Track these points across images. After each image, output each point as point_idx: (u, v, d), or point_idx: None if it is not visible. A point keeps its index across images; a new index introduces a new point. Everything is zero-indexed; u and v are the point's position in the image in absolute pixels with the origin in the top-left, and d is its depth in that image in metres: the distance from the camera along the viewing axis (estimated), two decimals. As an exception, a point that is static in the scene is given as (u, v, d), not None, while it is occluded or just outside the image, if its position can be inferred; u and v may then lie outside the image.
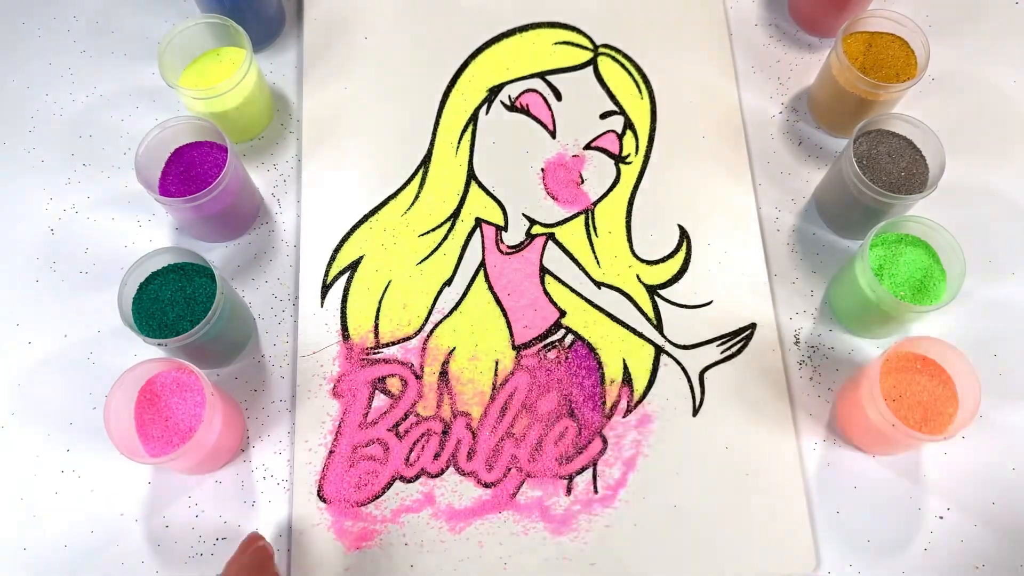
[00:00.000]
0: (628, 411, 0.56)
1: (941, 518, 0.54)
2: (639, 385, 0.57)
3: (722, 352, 0.58)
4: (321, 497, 0.54)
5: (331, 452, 0.55)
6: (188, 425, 0.51)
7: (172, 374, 0.52)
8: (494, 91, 0.65)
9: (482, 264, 0.60)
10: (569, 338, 0.58)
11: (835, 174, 0.58)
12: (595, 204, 0.62)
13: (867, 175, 0.56)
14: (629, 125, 0.64)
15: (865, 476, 0.55)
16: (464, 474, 0.55)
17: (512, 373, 0.57)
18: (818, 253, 0.61)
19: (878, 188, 0.54)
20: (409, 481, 0.55)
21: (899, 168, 0.57)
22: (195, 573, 0.52)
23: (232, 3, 0.62)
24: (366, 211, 0.62)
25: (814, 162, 0.64)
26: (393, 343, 0.58)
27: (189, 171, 0.58)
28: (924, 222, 0.54)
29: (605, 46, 0.67)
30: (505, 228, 0.61)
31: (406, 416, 0.56)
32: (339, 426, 0.56)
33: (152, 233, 0.61)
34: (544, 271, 0.60)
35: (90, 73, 0.66)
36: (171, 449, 0.50)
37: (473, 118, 0.64)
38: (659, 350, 0.58)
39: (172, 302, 0.53)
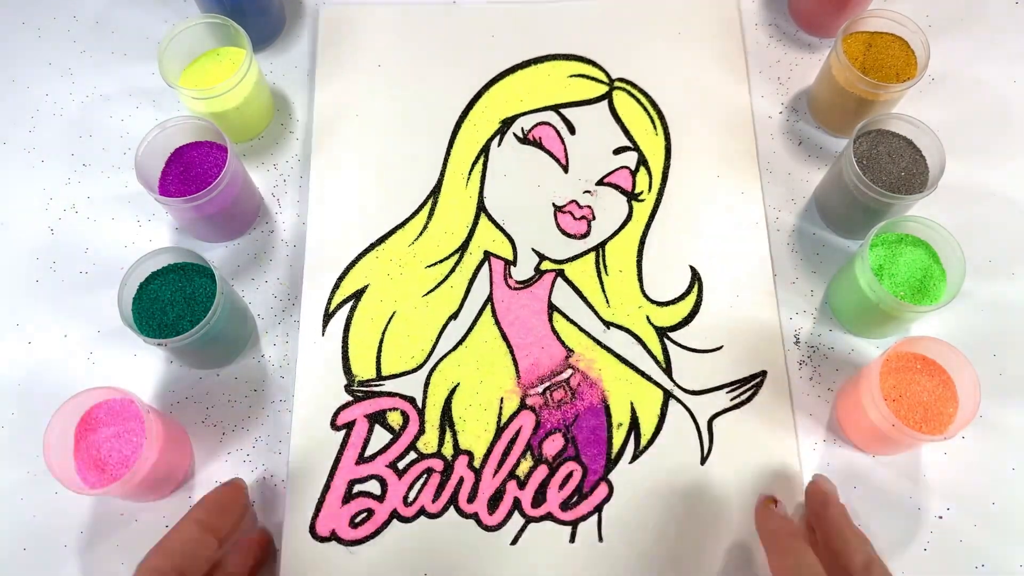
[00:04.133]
0: (635, 457, 0.55)
1: (941, 518, 0.54)
2: (646, 430, 0.55)
3: (732, 399, 0.56)
4: (314, 534, 0.52)
5: (327, 487, 0.53)
6: (126, 457, 0.50)
7: (111, 404, 0.51)
8: (507, 123, 0.64)
9: (489, 298, 0.59)
10: (576, 378, 0.57)
11: (835, 174, 0.58)
12: (606, 241, 0.60)
13: (867, 175, 0.56)
14: (643, 162, 0.62)
15: (865, 476, 0.55)
16: (465, 516, 0.53)
17: (517, 412, 0.56)
18: (818, 253, 0.61)
19: (878, 188, 0.54)
20: (407, 521, 0.53)
21: (899, 168, 0.57)
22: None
23: (232, 3, 0.62)
24: (373, 240, 0.60)
25: (814, 162, 0.64)
26: (395, 376, 0.57)
27: (189, 171, 0.58)
28: (924, 222, 0.54)
29: (621, 80, 0.65)
30: (514, 262, 0.60)
31: (406, 452, 0.55)
32: (336, 461, 0.54)
33: (152, 233, 0.61)
34: (552, 308, 0.58)
35: (90, 73, 0.66)
36: (110, 481, 0.49)
37: (485, 149, 0.63)
38: (668, 395, 0.56)
39: (172, 302, 0.53)
